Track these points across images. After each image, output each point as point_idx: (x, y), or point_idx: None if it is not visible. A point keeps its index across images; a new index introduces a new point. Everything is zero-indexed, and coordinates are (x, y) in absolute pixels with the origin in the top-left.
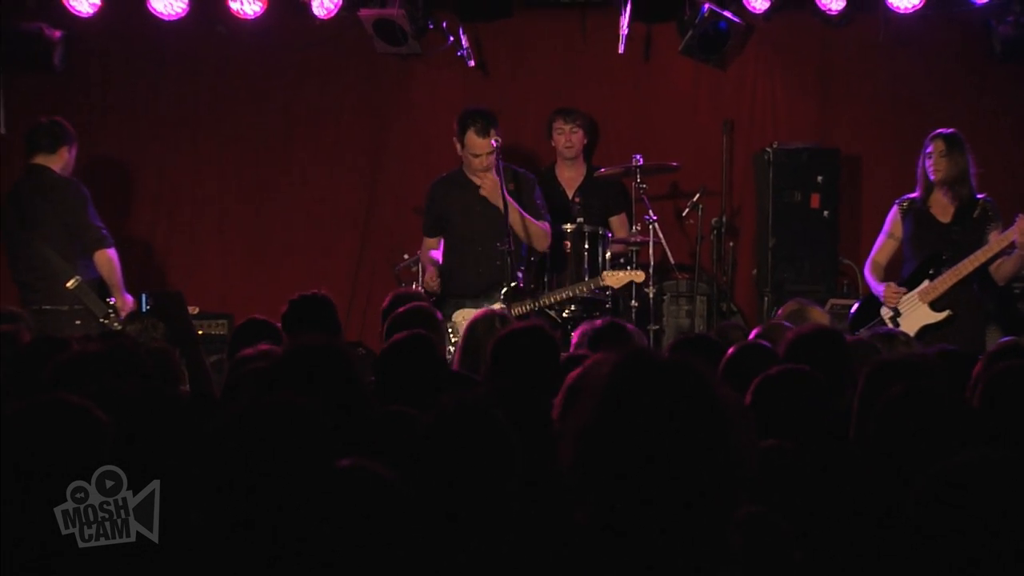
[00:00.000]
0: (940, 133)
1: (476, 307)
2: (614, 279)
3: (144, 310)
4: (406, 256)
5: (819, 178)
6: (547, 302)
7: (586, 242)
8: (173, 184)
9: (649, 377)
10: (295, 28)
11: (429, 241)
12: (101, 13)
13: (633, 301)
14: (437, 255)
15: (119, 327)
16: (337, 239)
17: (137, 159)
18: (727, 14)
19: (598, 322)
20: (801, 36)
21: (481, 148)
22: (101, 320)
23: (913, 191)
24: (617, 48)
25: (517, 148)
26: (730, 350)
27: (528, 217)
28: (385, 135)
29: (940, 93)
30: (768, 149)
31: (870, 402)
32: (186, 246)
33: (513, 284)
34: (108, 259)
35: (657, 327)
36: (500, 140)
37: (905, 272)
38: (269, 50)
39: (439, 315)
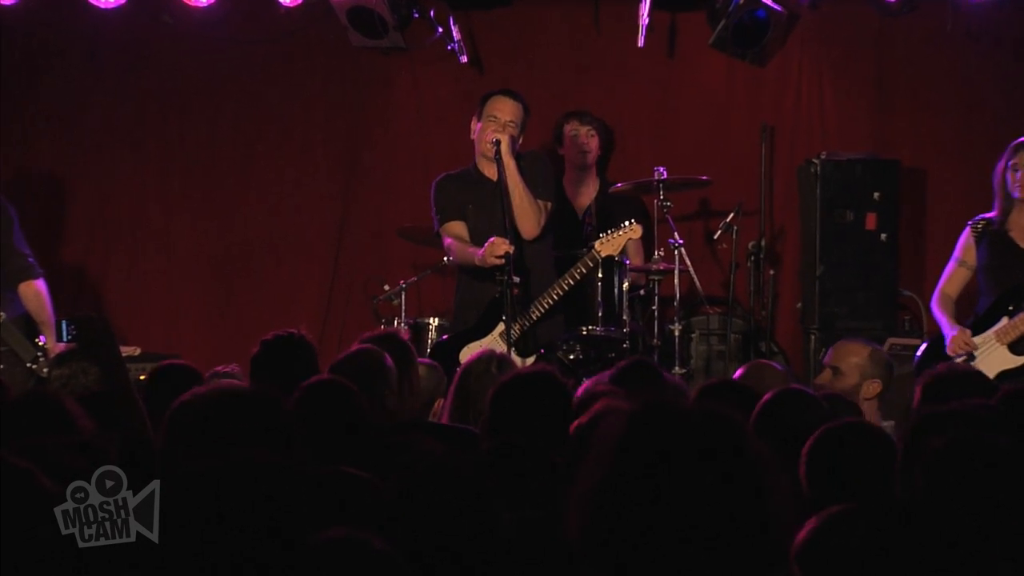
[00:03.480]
0: None
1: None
2: (609, 246)
3: (65, 338)
4: (386, 287)
5: (876, 194)
6: (537, 311)
7: (599, 270)
8: (112, 202)
9: (670, 430)
10: (256, 18)
11: (452, 227)
12: (27, 1)
13: (655, 340)
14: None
15: (48, 373)
16: (305, 267)
17: (69, 173)
18: (766, 1)
19: (622, 362)
20: (854, 27)
21: (503, 110)
22: (29, 365)
23: (989, 209)
24: (636, 41)
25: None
26: (765, 396)
27: (527, 189)
28: (362, 144)
29: (1020, 94)
30: (815, 160)
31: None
32: (127, 276)
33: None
34: (36, 292)
35: (684, 371)
36: (500, 137)
37: (981, 307)
38: (225, 45)
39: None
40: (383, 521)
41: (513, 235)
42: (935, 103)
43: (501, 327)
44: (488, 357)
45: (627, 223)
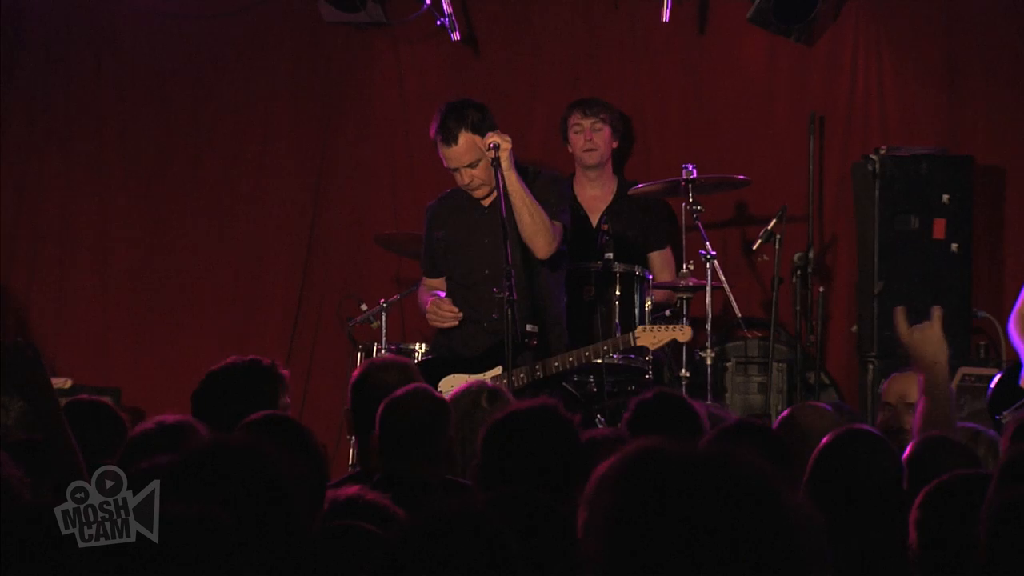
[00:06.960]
0: None
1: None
2: (650, 337)
3: None
4: (364, 307)
5: (945, 197)
6: (554, 367)
7: (617, 287)
8: (36, 209)
9: (675, 488)
10: None
11: (430, 282)
12: None
13: (684, 370)
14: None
15: None
16: (267, 283)
17: None
18: None
19: (645, 395)
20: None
21: (454, 158)
22: None
23: None
24: (661, 15)
25: (520, 157)
26: (825, 439)
27: (536, 203)
28: (335, 136)
29: None
30: (873, 156)
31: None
32: (56, 295)
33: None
34: None
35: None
36: (500, 141)
37: None
38: (173, 21)
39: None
40: None
41: (520, 261)
42: (1015, 90)
43: (498, 370)
44: (478, 389)
45: (678, 325)
